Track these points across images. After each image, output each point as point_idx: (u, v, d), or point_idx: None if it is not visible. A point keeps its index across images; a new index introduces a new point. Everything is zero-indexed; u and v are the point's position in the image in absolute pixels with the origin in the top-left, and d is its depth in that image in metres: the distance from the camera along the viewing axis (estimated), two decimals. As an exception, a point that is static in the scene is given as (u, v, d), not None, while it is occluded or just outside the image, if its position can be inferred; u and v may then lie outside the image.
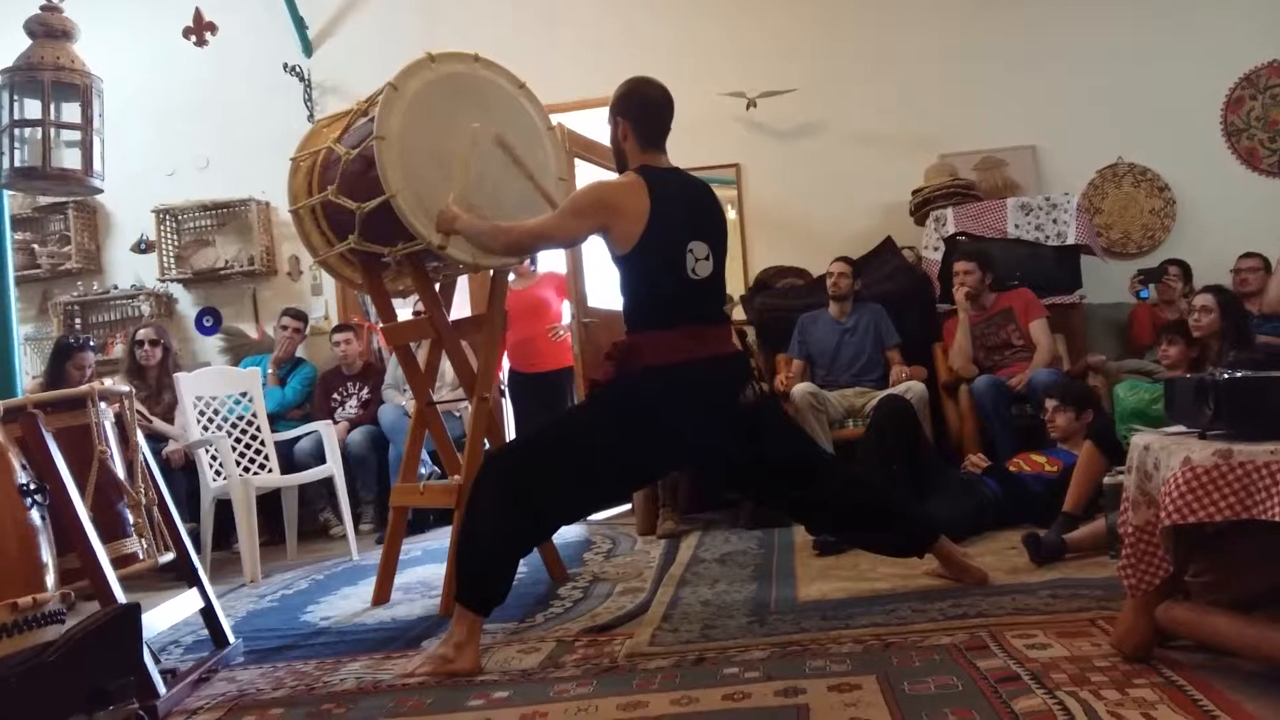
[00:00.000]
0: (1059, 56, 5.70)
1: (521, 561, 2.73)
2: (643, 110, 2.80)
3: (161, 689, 2.42)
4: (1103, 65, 5.66)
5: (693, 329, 2.70)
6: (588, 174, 4.78)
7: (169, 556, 2.81)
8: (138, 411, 3.00)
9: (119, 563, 2.56)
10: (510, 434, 5.85)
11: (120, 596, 2.41)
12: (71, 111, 3.42)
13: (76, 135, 3.47)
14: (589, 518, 5.04)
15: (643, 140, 2.80)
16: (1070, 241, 5.03)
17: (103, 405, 2.70)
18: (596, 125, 5.15)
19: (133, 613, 2.36)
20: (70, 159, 3.48)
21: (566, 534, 4.47)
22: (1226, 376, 1.95)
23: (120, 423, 2.80)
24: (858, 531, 3.05)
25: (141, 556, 2.68)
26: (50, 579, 2.23)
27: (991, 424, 4.43)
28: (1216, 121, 5.67)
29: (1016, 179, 5.63)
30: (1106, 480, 3.05)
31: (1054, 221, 5.06)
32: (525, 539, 2.68)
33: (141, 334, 5.33)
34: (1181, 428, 2.13)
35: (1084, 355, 4.85)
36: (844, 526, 3.09)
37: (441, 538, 4.73)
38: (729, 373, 2.78)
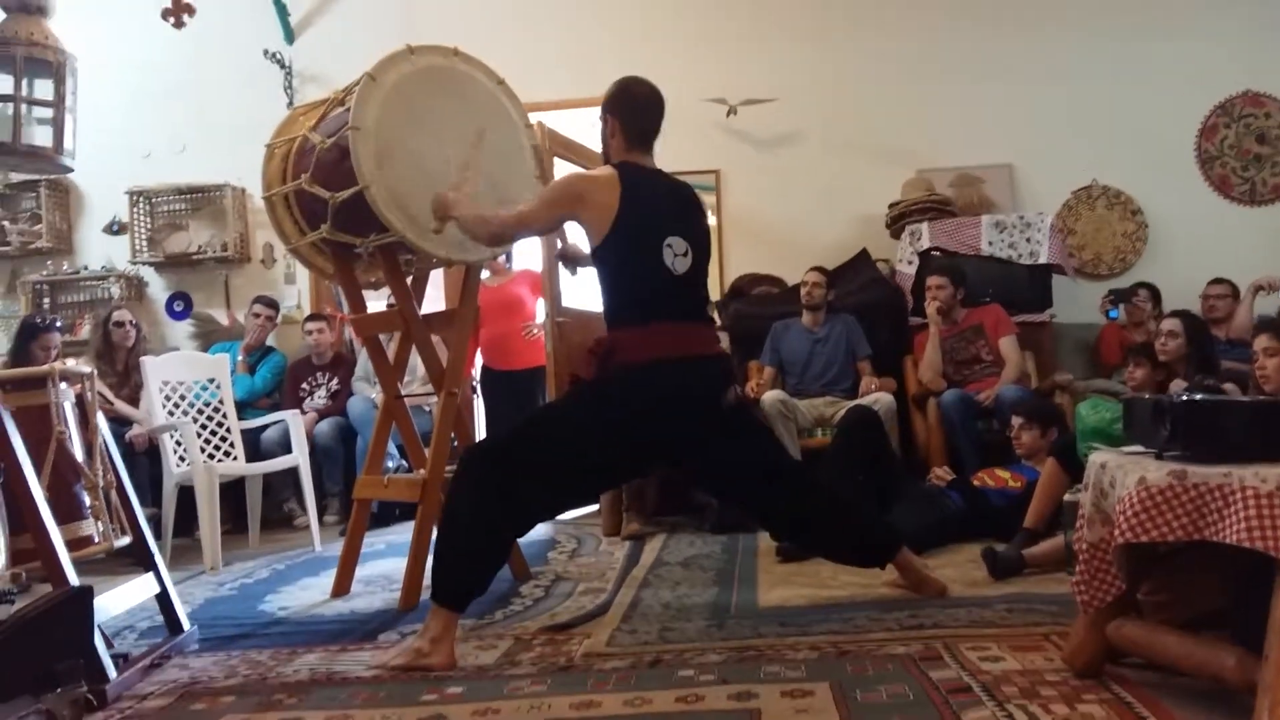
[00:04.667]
0: (1039, 78, 5.76)
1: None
2: (630, 109, 2.82)
3: (112, 673, 2.40)
4: (1082, 88, 5.73)
5: (674, 326, 2.70)
6: (566, 173, 4.76)
7: (125, 540, 2.78)
8: (99, 394, 2.96)
9: (74, 545, 2.53)
10: (480, 431, 5.84)
11: (73, 579, 2.38)
12: (44, 88, 3.39)
13: (48, 112, 3.44)
14: (556, 517, 5.02)
15: (629, 139, 2.81)
16: (1042, 261, 5.09)
17: (63, 386, 2.67)
18: (576, 125, 5.17)
19: (85, 596, 2.34)
20: (41, 136, 3.44)
21: (532, 533, 4.44)
22: (1184, 398, 1.97)
23: (81, 404, 2.76)
24: (822, 540, 3.08)
25: (97, 539, 2.65)
26: (1, 559, 2.20)
27: (958, 438, 4.46)
28: (1191, 148, 5.74)
29: (992, 197, 5.67)
30: (1066, 497, 3.08)
31: (1027, 240, 5.11)
32: (506, 534, 2.67)
33: (118, 315, 5.27)
34: (1139, 447, 2.15)
35: (1052, 373, 4.89)
36: (809, 534, 3.10)
37: (406, 531, 4.69)
38: (712, 373, 2.78)
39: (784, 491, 2.91)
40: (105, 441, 2.80)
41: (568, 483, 2.71)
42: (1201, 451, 1.91)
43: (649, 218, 2.70)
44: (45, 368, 2.68)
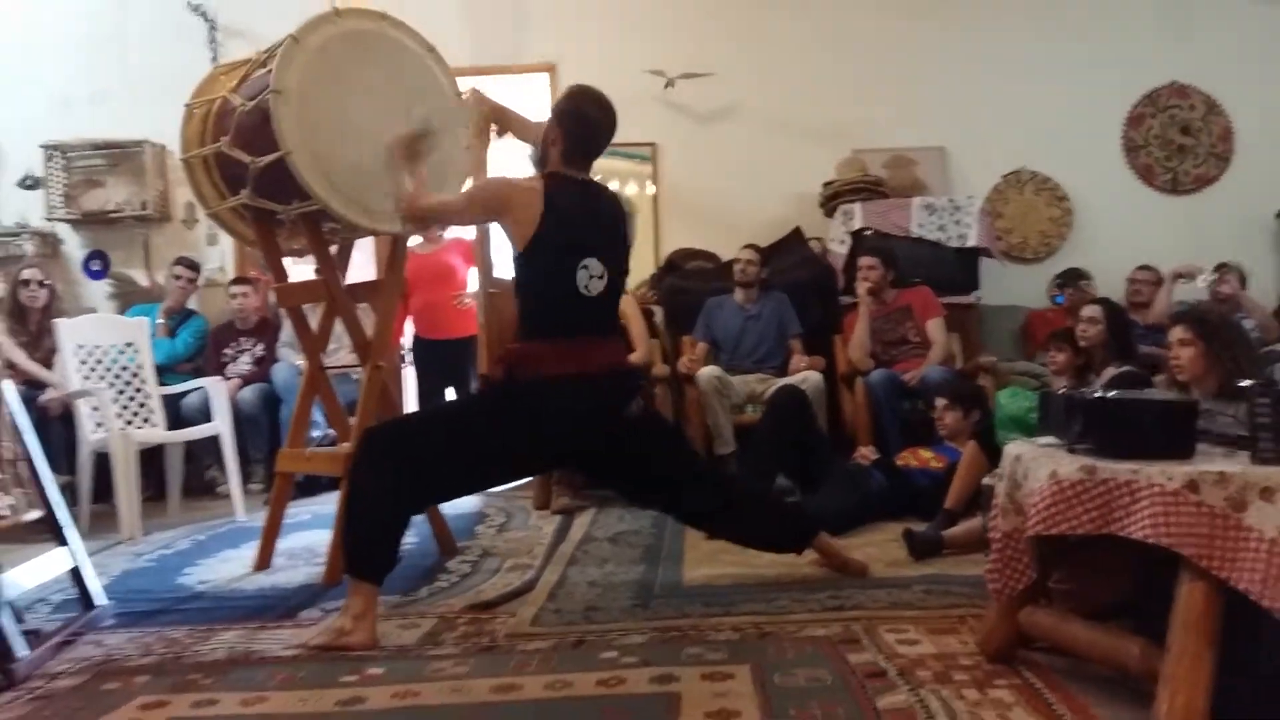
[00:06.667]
0: (974, 63, 5.83)
1: (411, 533, 2.71)
2: (580, 129, 2.76)
3: (22, 651, 2.34)
4: (1014, 74, 5.81)
5: (582, 341, 2.72)
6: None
7: (35, 514, 2.69)
8: (6, 361, 2.86)
9: (-20, 519, 2.45)
10: (411, 401, 5.77)
11: (-22, 555, 2.31)
12: (-49, 37, 3.23)
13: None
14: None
15: (569, 154, 2.76)
16: (970, 244, 5.17)
17: (-31, 353, 2.57)
18: (508, 93, 5.07)
19: (-11, 573, 2.27)
20: (-52, 87, 3.28)
21: (460, 506, 4.42)
22: (1095, 395, 2.02)
23: (-12, 372, 2.67)
24: (736, 531, 3.13)
25: (5, 514, 2.56)
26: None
27: (883, 417, 4.52)
28: (1117, 137, 5.87)
29: (924, 179, 5.73)
30: (985, 481, 3.15)
31: (956, 223, 5.19)
32: (407, 503, 2.66)
33: (27, 273, 5.05)
34: (1053, 440, 2.20)
35: (977, 355, 4.99)
36: (722, 528, 3.18)
37: (332, 502, 4.62)
38: (616, 387, 2.80)
39: (693, 493, 2.97)
40: (12, 411, 2.70)
41: (462, 473, 2.74)
42: (1111, 447, 1.96)
43: (568, 238, 2.67)
44: (-51, 335, 2.58)
